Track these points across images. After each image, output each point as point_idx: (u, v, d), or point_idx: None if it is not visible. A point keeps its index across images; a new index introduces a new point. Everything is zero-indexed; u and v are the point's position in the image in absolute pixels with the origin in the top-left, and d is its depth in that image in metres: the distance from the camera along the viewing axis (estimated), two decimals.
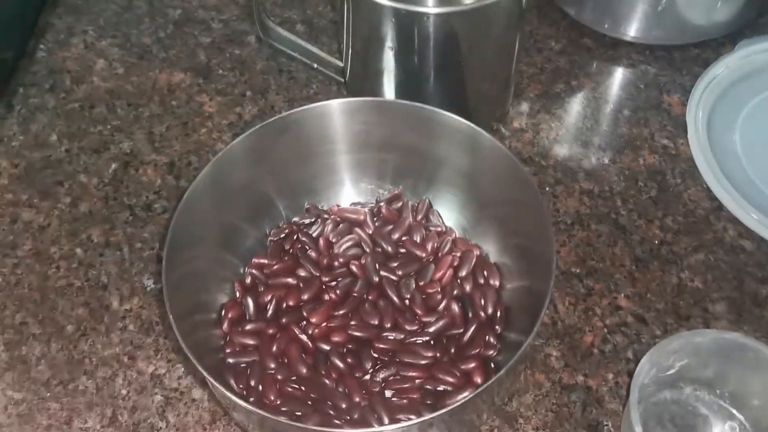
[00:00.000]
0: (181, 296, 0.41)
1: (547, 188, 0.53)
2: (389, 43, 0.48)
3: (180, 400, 0.45)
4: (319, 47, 0.56)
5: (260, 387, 0.42)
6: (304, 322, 0.44)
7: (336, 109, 0.46)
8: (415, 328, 0.44)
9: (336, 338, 0.44)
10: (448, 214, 0.49)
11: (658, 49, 0.61)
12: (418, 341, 0.44)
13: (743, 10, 0.59)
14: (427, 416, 0.35)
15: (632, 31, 0.60)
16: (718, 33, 0.60)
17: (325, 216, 0.49)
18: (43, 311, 0.48)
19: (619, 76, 0.60)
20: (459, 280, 0.46)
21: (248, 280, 0.47)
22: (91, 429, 0.44)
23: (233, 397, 0.37)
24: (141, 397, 0.45)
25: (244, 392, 0.42)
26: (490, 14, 0.48)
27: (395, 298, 0.45)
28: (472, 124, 0.44)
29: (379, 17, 0.47)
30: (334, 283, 0.46)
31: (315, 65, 0.56)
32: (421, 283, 0.46)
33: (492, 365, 0.43)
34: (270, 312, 0.45)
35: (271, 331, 0.44)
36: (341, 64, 0.55)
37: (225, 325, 0.45)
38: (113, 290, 0.49)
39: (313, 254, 0.47)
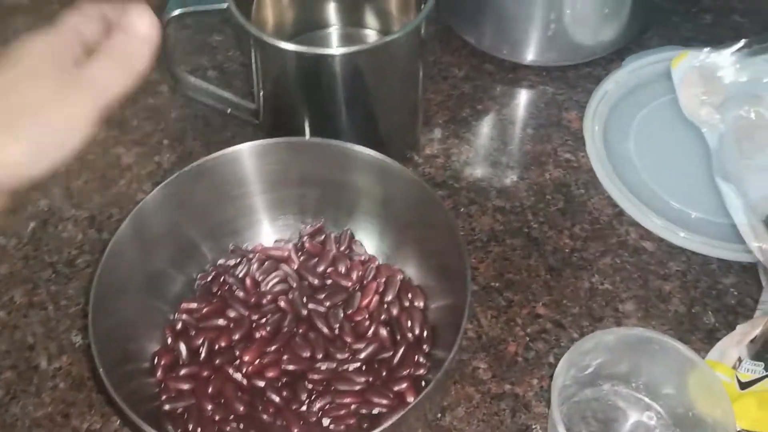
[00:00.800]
0: (110, 348, 0.41)
1: (462, 209, 0.56)
2: (298, 84, 0.50)
3: None
4: (233, 92, 0.58)
5: (199, 429, 0.43)
6: (238, 361, 0.45)
7: (247, 152, 0.47)
8: (346, 355, 0.46)
9: (270, 374, 0.45)
10: (370, 242, 0.51)
11: (554, 70, 0.65)
12: (350, 368, 0.45)
13: (627, 29, 0.64)
14: None
15: (529, 54, 0.64)
16: (605, 51, 0.65)
17: (250, 255, 0.50)
18: None
19: (520, 97, 0.64)
20: (385, 305, 0.48)
21: (179, 326, 0.47)
22: None
23: None
24: None
25: None
26: (391, 50, 0.50)
27: (325, 329, 0.46)
28: (381, 155, 0.46)
29: (285, 61, 0.49)
30: (264, 320, 0.47)
31: (229, 110, 0.57)
32: (349, 312, 0.47)
33: (423, 383, 0.45)
34: (203, 355, 0.46)
35: (205, 373, 0.45)
36: (254, 107, 0.56)
37: (159, 372, 0.45)
38: (41, 350, 0.49)
39: (240, 294, 0.48)
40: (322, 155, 0.48)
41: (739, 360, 0.45)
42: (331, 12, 0.60)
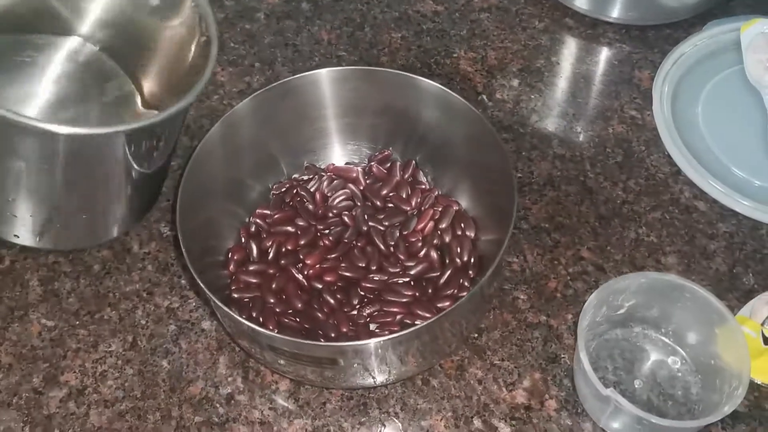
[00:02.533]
0: (193, 240, 0.47)
1: (523, 152, 0.59)
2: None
3: (191, 329, 0.51)
4: None
5: (261, 318, 0.49)
6: (301, 264, 0.51)
7: (326, 76, 0.52)
8: (397, 270, 0.50)
9: (328, 278, 0.50)
10: (432, 174, 0.55)
11: (634, 29, 0.66)
12: (399, 282, 0.50)
13: None
14: (393, 335, 0.41)
15: (610, 11, 0.65)
16: (688, 14, 0.65)
17: (322, 173, 0.55)
18: (72, 252, 0.55)
19: (595, 53, 0.65)
20: (439, 231, 0.52)
21: (252, 228, 0.53)
22: (115, 352, 0.50)
23: (245, 322, 0.42)
24: (158, 326, 0.51)
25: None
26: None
27: (381, 245, 0.51)
28: (450, 91, 0.50)
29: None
30: (327, 231, 0.52)
31: None
32: (405, 233, 0.52)
33: None
34: (271, 255, 0.51)
35: (271, 270, 0.51)
36: None
37: (231, 266, 0.51)
38: (134, 236, 0.55)
39: (310, 206, 0.53)
40: (395, 86, 0.52)
41: None
42: None
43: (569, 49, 0.66)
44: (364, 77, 0.52)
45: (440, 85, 0.50)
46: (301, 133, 0.55)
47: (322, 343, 0.45)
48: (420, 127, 0.54)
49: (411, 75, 0.51)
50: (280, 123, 0.53)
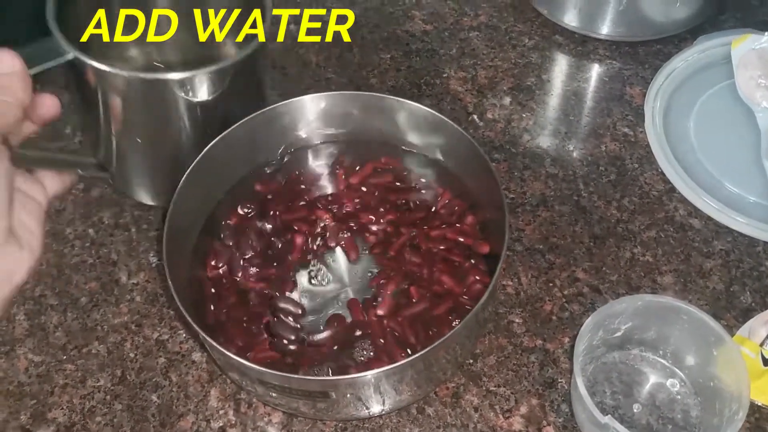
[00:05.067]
0: (181, 270, 0.46)
1: (516, 173, 0.58)
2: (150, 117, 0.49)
3: (181, 362, 0.50)
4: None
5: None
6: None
7: (311, 102, 0.51)
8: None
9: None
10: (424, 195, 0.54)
11: (624, 45, 0.65)
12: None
13: (703, 8, 0.64)
14: (386, 367, 0.40)
15: (599, 28, 0.65)
16: (678, 29, 0.65)
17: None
18: (59, 285, 0.54)
19: (586, 70, 0.65)
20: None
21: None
22: (103, 387, 0.49)
23: (234, 357, 0.41)
24: (147, 359, 0.50)
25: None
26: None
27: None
28: (436, 112, 0.49)
29: (136, 91, 0.47)
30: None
31: (79, 171, 0.50)
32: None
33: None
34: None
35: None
36: (94, 161, 0.53)
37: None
38: (122, 266, 0.54)
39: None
40: (381, 110, 0.51)
41: (767, 337, 0.46)
42: None
43: (560, 66, 0.65)
44: (350, 100, 0.51)
45: (427, 108, 0.50)
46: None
47: (313, 377, 0.44)
48: (409, 150, 0.53)
49: (398, 98, 0.50)
50: (263, 151, 0.53)
